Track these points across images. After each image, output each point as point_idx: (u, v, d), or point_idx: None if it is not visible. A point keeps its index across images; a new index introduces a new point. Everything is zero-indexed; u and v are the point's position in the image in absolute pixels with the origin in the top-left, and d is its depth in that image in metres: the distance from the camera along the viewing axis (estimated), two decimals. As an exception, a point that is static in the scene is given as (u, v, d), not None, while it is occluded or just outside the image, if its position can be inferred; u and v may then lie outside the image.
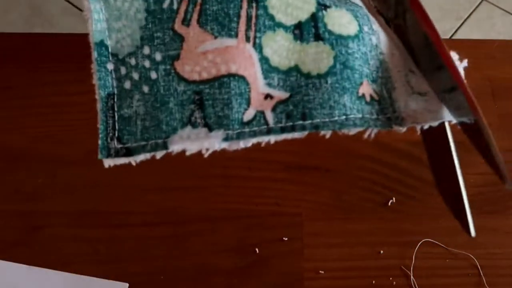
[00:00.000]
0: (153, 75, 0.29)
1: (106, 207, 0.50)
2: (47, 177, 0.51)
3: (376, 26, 0.33)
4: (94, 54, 0.29)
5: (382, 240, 0.49)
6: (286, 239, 0.49)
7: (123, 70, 0.30)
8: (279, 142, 0.53)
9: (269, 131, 0.29)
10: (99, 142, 0.29)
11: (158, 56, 0.29)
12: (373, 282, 0.47)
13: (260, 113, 0.29)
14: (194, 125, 0.29)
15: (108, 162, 0.29)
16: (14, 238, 0.49)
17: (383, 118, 0.32)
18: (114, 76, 0.30)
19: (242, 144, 0.29)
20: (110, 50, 0.30)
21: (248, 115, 0.29)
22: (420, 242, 0.48)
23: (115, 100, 0.30)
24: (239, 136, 0.29)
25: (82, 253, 0.48)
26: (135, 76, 0.29)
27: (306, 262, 0.48)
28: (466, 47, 0.60)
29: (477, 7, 1.39)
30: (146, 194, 0.50)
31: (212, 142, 0.29)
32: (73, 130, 0.53)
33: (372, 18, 0.33)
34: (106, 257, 0.48)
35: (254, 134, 0.29)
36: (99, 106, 0.30)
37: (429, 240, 0.49)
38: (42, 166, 0.52)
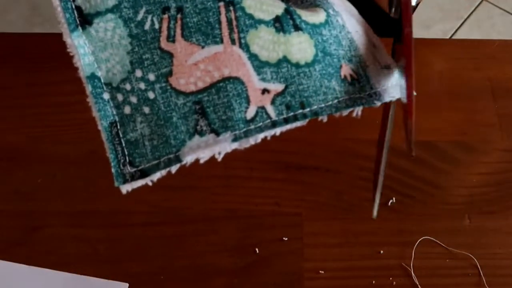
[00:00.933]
0: (151, 95, 0.30)
1: (106, 207, 0.50)
2: (47, 177, 0.51)
3: (336, 7, 0.34)
4: (88, 88, 0.30)
5: (382, 240, 0.49)
6: (286, 239, 0.49)
7: (120, 97, 0.30)
8: (279, 142, 0.53)
9: (274, 124, 0.30)
10: (113, 170, 0.30)
11: (151, 76, 0.30)
12: (373, 282, 0.47)
13: (261, 109, 0.30)
14: (201, 134, 0.29)
15: (125, 188, 0.30)
16: (14, 238, 0.49)
17: (365, 95, 0.33)
18: (112, 104, 0.30)
19: (251, 140, 0.30)
20: (102, 80, 0.30)
21: (250, 112, 0.30)
22: (420, 239, 0.48)
23: (119, 127, 0.30)
24: (247, 134, 0.30)
25: (82, 253, 0.48)
26: (133, 99, 0.30)
27: (306, 262, 0.48)
28: (466, 47, 0.60)
29: (477, 7, 1.39)
30: (146, 194, 0.50)
31: (222, 146, 0.29)
32: (73, 130, 0.53)
33: (330, 0, 0.34)
34: (106, 257, 0.48)
35: (260, 129, 0.30)
36: (104, 136, 0.30)
37: (429, 238, 0.49)
38: (41, 166, 0.52)
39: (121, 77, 0.30)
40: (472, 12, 1.38)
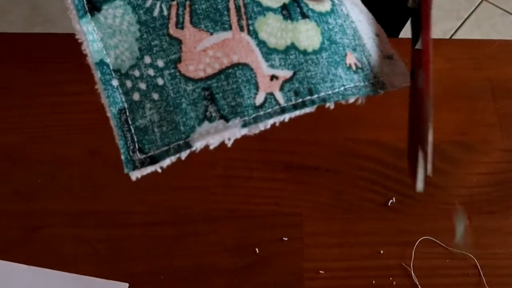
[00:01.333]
0: (160, 81, 0.30)
1: (106, 207, 0.50)
2: (47, 177, 0.51)
3: None
4: (97, 74, 0.30)
5: (382, 240, 0.49)
6: (286, 239, 0.49)
7: (129, 84, 0.30)
8: (279, 142, 0.53)
9: (283, 110, 0.30)
10: (122, 157, 0.30)
11: (160, 63, 0.30)
12: (373, 282, 0.47)
13: (270, 95, 0.30)
14: (211, 120, 0.29)
15: (135, 175, 0.30)
16: (14, 238, 0.49)
17: (368, 84, 0.33)
18: (121, 91, 0.30)
19: (261, 126, 0.30)
20: (111, 67, 0.30)
21: (259, 98, 0.30)
22: (420, 239, 0.48)
23: (128, 113, 0.30)
24: (256, 120, 0.30)
25: (82, 253, 0.48)
26: (142, 86, 0.30)
27: (306, 262, 0.48)
28: (466, 47, 0.60)
29: (477, 7, 1.39)
30: (146, 194, 0.50)
31: (232, 132, 0.29)
32: (73, 130, 0.53)
33: None
34: (106, 257, 0.48)
35: (269, 115, 0.30)
36: (113, 123, 0.30)
37: (429, 238, 0.49)
38: (41, 166, 0.52)
39: (130, 64, 0.30)
40: (472, 12, 1.38)
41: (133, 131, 0.30)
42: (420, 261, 0.48)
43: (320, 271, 0.48)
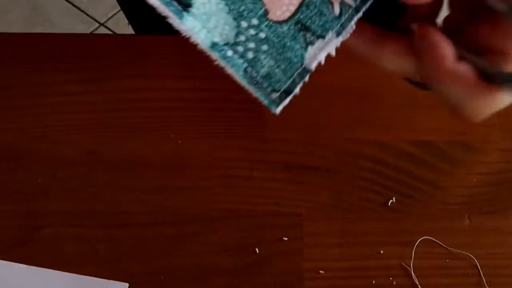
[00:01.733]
0: (262, 35, 0.37)
1: (106, 207, 0.50)
2: (47, 177, 0.51)
3: None
4: (214, 54, 0.36)
5: (382, 240, 0.49)
6: (286, 239, 0.49)
7: (240, 48, 0.37)
8: (279, 142, 0.53)
9: (356, 10, 0.37)
10: (265, 102, 0.37)
11: (254, 21, 0.36)
12: (373, 282, 0.47)
13: (342, 3, 0.37)
14: (312, 43, 0.37)
15: (279, 109, 0.36)
16: (14, 238, 0.49)
17: None
18: (238, 56, 0.37)
19: (349, 30, 0.36)
20: (221, 43, 0.37)
21: (336, 10, 0.37)
22: (420, 239, 0.48)
23: (250, 69, 0.37)
24: (343, 27, 0.37)
25: (82, 253, 0.48)
26: (251, 45, 0.37)
27: (306, 262, 0.48)
28: (466, 47, 0.60)
29: (477, 7, 1.39)
30: (146, 194, 0.50)
31: (331, 44, 0.36)
32: (73, 130, 0.53)
33: None
34: (106, 257, 0.48)
35: (350, 18, 0.37)
36: (244, 82, 0.36)
37: (429, 238, 0.49)
38: (41, 166, 0.52)
39: (234, 33, 0.36)
40: (472, 12, 1.38)
41: (262, 80, 0.37)
42: (420, 261, 0.48)
43: (320, 271, 0.48)
